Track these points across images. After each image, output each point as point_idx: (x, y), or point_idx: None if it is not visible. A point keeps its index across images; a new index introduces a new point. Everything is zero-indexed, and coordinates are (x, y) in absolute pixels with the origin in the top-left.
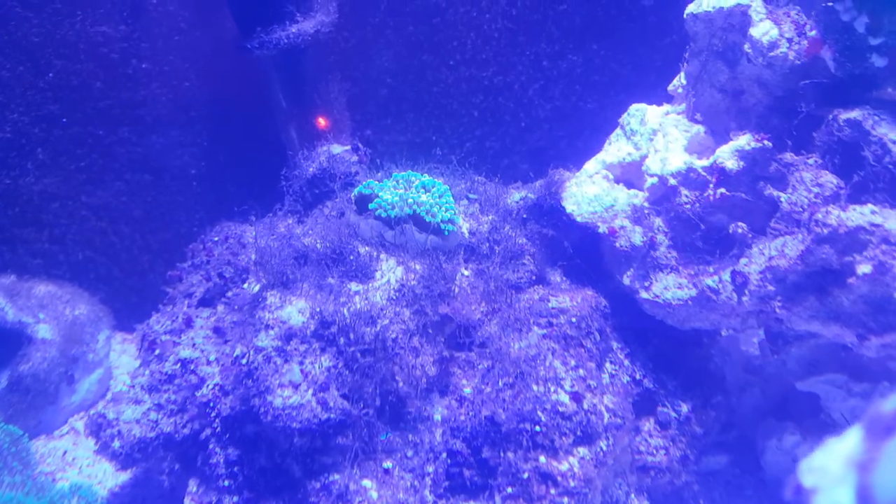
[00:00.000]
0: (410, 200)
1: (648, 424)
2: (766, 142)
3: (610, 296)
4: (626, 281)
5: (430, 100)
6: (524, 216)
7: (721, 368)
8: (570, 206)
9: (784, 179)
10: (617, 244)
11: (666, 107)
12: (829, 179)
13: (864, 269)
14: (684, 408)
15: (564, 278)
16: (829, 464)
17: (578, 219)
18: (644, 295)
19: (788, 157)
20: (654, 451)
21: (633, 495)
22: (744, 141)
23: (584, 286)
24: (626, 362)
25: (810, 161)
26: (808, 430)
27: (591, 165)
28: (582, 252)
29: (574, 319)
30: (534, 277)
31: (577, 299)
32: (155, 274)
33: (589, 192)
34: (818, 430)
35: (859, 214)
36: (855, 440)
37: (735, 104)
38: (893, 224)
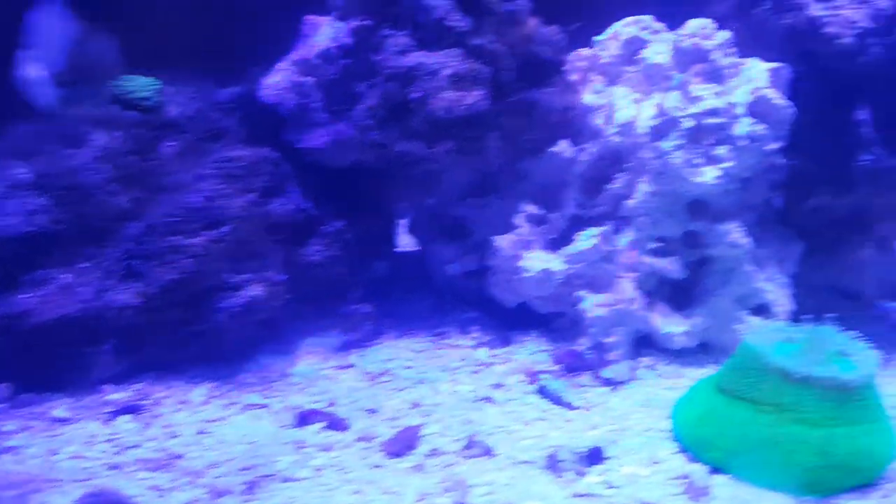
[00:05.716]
0: (116, 88)
1: (313, 239)
2: (368, 22)
3: (284, 152)
4: (289, 136)
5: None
6: (233, 106)
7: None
8: (261, 92)
9: (382, 46)
10: (280, 111)
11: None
12: (405, 41)
13: (415, 95)
14: (338, 224)
15: (254, 144)
16: None
17: (267, 100)
18: (303, 144)
19: (385, 32)
20: (315, 253)
21: (266, 271)
22: (356, 24)
23: (265, 146)
24: (296, 197)
25: (400, 33)
26: (455, 239)
27: (282, 65)
28: (272, 125)
29: (244, 164)
30: (230, 147)
31: (252, 153)
32: None
33: (278, 81)
34: (462, 238)
35: (413, 57)
36: None
37: (362, 3)
38: (432, 61)
